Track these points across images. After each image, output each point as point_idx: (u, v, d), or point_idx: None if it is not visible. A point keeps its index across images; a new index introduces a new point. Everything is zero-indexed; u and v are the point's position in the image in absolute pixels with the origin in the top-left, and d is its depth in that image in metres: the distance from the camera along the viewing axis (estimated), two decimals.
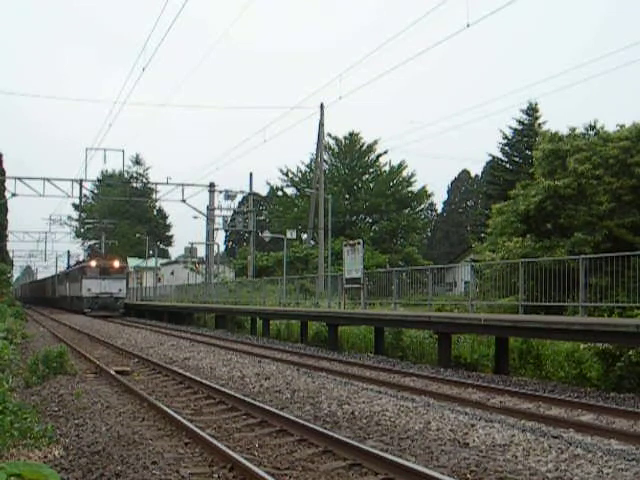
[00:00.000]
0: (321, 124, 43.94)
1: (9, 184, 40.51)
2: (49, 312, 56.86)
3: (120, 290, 50.39)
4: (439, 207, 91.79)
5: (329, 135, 68.78)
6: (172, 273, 74.23)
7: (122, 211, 77.73)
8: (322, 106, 43.70)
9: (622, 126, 28.91)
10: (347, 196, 70.02)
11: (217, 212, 51.50)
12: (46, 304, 76.64)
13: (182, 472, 6.98)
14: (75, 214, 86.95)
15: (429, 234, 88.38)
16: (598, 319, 14.78)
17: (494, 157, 54.21)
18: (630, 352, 14.58)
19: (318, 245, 45.90)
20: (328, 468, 7.25)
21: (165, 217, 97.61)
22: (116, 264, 50.88)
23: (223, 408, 10.88)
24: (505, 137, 52.07)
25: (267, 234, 56.47)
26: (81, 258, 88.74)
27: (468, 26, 17.47)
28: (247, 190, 54.08)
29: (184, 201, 46.06)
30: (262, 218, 79.53)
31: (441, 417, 9.84)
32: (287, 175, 73.23)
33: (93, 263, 50.72)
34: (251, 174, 52.81)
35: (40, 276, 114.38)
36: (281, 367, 15.84)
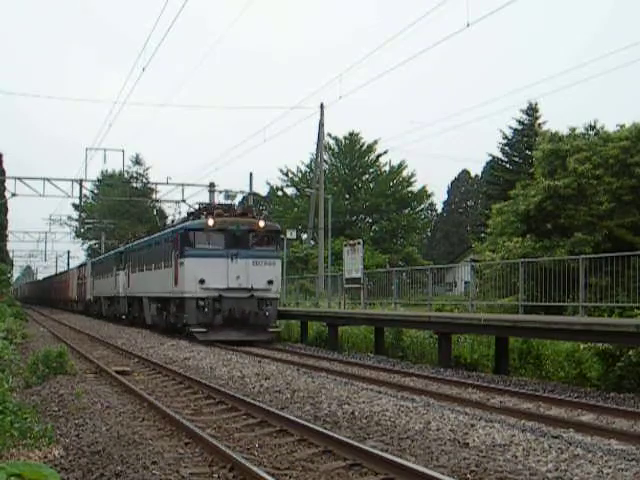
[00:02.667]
0: (321, 124, 43.93)
1: (9, 184, 40.42)
2: (49, 312, 56.66)
3: (271, 283, 23.27)
4: (439, 207, 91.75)
5: (329, 135, 68.76)
6: None
7: (122, 211, 77.64)
8: (322, 106, 43.69)
9: (622, 126, 28.92)
10: (347, 196, 70.01)
11: None
12: (64, 307, 61.32)
13: (182, 472, 6.98)
14: (75, 214, 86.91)
15: (429, 234, 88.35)
16: (598, 319, 14.78)
17: (494, 157, 54.19)
18: (630, 352, 14.57)
19: (318, 245, 45.90)
20: (328, 468, 7.25)
21: (165, 217, 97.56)
22: (260, 225, 23.87)
23: (223, 408, 10.88)
24: (505, 137, 52.05)
25: None
26: (82, 259, 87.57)
27: (468, 25, 17.46)
28: (247, 190, 54.00)
29: (184, 201, 46.00)
30: None
31: (441, 417, 9.84)
32: (287, 175, 73.22)
33: (211, 221, 23.26)
34: (251, 174, 52.71)
35: (40, 276, 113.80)
36: (281, 367, 15.84)
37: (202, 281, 22.35)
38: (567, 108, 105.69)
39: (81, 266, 55.89)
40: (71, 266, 79.80)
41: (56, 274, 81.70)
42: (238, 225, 23.28)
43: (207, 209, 25.18)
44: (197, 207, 27.20)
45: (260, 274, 22.89)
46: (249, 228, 23.39)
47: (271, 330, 23.29)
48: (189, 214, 27.27)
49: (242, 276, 22.63)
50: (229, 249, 22.84)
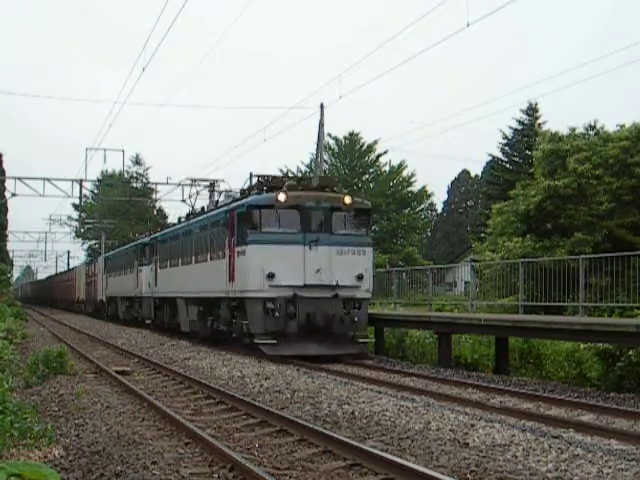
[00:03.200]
0: (321, 124, 43.86)
1: (9, 184, 40.41)
2: (49, 312, 56.59)
3: (360, 279, 17.94)
4: (439, 207, 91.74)
5: (329, 135, 68.75)
6: None
7: (122, 211, 77.59)
8: (322, 106, 43.61)
9: (622, 126, 28.96)
10: None
11: None
12: (69, 309, 57.21)
13: (182, 472, 6.98)
14: (75, 214, 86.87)
15: (429, 234, 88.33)
16: (598, 319, 14.79)
17: (494, 157, 54.19)
18: (630, 352, 14.59)
19: None
20: (328, 468, 7.25)
21: (165, 217, 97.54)
22: (347, 201, 18.08)
23: (223, 408, 10.88)
24: (505, 137, 52.05)
25: None
26: (82, 259, 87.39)
27: (468, 25, 17.43)
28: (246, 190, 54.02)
29: (184, 201, 45.99)
30: None
31: (441, 417, 9.84)
32: (287, 175, 73.24)
33: (282, 196, 17.46)
34: (251, 174, 52.46)
35: (41, 276, 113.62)
36: (281, 367, 15.84)
37: (271, 276, 16.99)
38: (567, 108, 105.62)
39: (91, 262, 51.34)
40: (71, 266, 79.67)
41: (60, 272, 79.66)
42: (318, 201, 17.64)
43: (269, 182, 18.96)
44: (254, 180, 21.10)
45: (347, 267, 17.50)
46: (333, 205, 17.74)
47: (361, 341, 18.02)
48: (243, 191, 21.44)
49: (324, 269, 17.26)
50: (307, 233, 17.39)
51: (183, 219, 27.27)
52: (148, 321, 30.36)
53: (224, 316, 19.70)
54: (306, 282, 17.12)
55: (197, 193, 28.89)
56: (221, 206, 22.08)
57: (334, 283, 17.28)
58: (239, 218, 18.25)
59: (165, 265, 26.63)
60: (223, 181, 30.36)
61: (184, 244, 24.11)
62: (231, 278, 18.47)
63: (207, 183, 47.00)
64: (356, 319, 17.47)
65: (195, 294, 22.40)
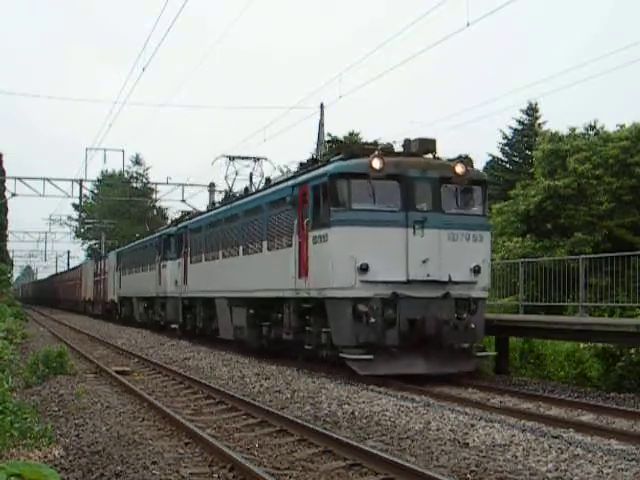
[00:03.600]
0: (321, 124, 43.89)
1: (9, 184, 40.44)
2: (49, 312, 56.60)
3: (477, 272, 13.81)
4: None
5: (329, 135, 68.78)
6: None
7: (122, 211, 77.61)
8: (322, 106, 43.65)
9: (622, 126, 28.95)
10: None
11: None
12: (74, 309, 53.94)
13: (182, 472, 6.98)
14: (75, 214, 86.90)
15: None
16: (598, 319, 14.81)
17: (494, 157, 54.14)
18: (630, 352, 14.59)
19: None
20: (328, 468, 7.25)
21: (165, 217, 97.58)
22: (459, 170, 13.75)
23: (223, 408, 10.88)
24: (505, 137, 52.00)
25: None
26: (82, 259, 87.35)
27: (468, 25, 17.42)
28: (248, 190, 54.03)
29: (184, 201, 46.05)
30: None
31: (441, 417, 9.84)
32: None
33: (377, 162, 13.17)
34: (251, 174, 52.71)
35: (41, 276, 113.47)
36: (281, 367, 15.84)
37: (364, 269, 12.97)
38: (567, 108, 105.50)
39: (99, 259, 47.76)
40: (71, 266, 79.58)
41: (64, 271, 77.70)
42: (425, 169, 13.63)
43: (349, 148, 15.04)
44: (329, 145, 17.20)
45: (461, 256, 13.62)
46: (442, 175, 13.75)
47: (479, 355, 13.92)
48: (303, 164, 16.46)
49: (432, 260, 13.31)
50: (410, 211, 13.37)
51: (218, 204, 23.33)
52: (174, 326, 26.02)
53: (289, 322, 15.47)
54: (410, 277, 13.15)
55: (236, 173, 24.03)
56: (278, 183, 17.31)
57: (445, 279, 13.33)
58: (316, 192, 14.04)
59: (199, 258, 22.37)
60: (266, 159, 25.32)
61: (227, 232, 19.77)
62: (302, 273, 14.36)
63: (207, 183, 47.06)
64: (472, 325, 13.41)
65: (244, 293, 17.99)
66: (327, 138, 65.02)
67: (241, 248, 18.39)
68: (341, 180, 13.43)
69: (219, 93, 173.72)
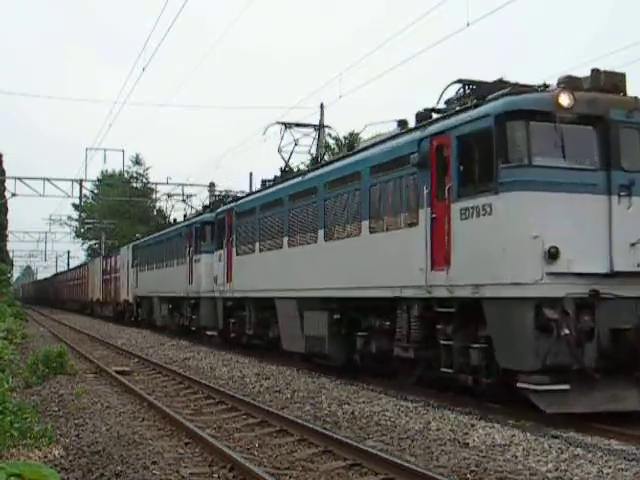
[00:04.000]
0: (321, 124, 43.95)
1: (9, 184, 40.44)
2: (49, 312, 56.57)
3: None
4: None
5: (329, 135, 68.75)
6: None
7: (122, 211, 77.61)
8: (322, 106, 43.67)
9: None
10: None
11: None
12: (80, 311, 50.62)
13: (182, 472, 6.98)
14: (75, 214, 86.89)
15: None
16: None
17: None
18: None
19: None
20: (328, 468, 7.25)
21: (165, 217, 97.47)
22: None
23: (223, 408, 10.89)
24: None
25: None
26: (82, 259, 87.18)
27: (468, 25, 17.38)
28: (247, 190, 54.04)
29: (184, 201, 46.05)
30: None
31: (441, 417, 9.83)
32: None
33: (566, 98, 9.11)
34: (251, 174, 52.59)
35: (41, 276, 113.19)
36: (281, 367, 15.84)
37: (553, 255, 9.05)
38: None
39: (109, 256, 43.25)
40: (71, 266, 79.52)
41: (69, 269, 74.85)
42: (630, 111, 9.62)
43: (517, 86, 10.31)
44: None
45: None
46: None
47: None
48: (428, 110, 12.03)
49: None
50: (613, 171, 9.50)
51: (269, 182, 19.14)
52: (210, 332, 21.96)
53: (407, 332, 11.46)
54: (614, 268, 9.30)
55: (295, 143, 19.81)
56: (383, 141, 12.95)
57: None
58: (467, 144, 10.17)
59: (251, 249, 18.09)
60: (330, 127, 20.50)
61: (296, 213, 15.60)
62: (439, 262, 10.41)
63: (207, 183, 46.96)
64: None
65: (326, 292, 13.99)
66: (327, 138, 65.02)
67: (321, 233, 14.23)
68: (516, 122, 9.41)
69: (219, 93, 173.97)
